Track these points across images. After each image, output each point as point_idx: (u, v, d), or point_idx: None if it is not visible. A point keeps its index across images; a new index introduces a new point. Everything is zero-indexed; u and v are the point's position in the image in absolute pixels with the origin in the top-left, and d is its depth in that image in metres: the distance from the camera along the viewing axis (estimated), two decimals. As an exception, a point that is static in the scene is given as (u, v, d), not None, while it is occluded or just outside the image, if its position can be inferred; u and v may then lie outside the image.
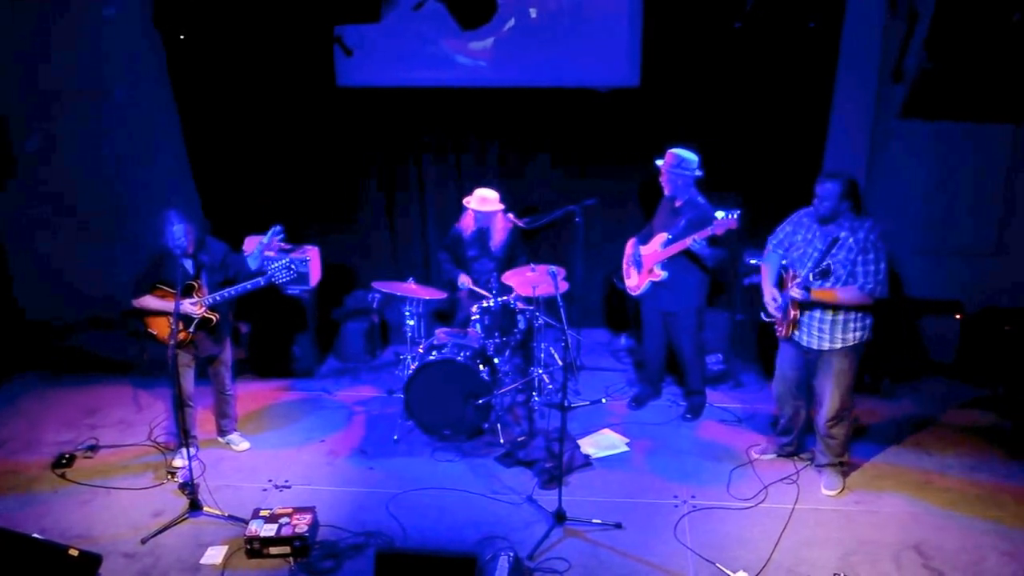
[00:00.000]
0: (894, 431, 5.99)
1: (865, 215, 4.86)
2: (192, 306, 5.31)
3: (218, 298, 5.38)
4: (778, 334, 5.23)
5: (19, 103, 7.09)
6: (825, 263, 4.69)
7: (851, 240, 4.76)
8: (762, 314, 5.34)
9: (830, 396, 5.07)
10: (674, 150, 5.77)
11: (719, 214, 5.41)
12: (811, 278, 4.71)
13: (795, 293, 4.84)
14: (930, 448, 5.77)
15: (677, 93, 6.73)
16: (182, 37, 6.63)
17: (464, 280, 6.48)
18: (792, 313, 4.98)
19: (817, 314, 4.93)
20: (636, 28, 6.64)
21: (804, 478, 5.39)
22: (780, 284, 5.18)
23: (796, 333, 5.05)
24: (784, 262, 5.12)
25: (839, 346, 4.95)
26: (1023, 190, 6.72)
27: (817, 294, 4.80)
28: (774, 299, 5.17)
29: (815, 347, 5.01)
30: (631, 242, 6.16)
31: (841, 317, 4.90)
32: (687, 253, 5.66)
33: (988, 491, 5.27)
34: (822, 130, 6.60)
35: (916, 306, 6.88)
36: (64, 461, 5.74)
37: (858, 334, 4.95)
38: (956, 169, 6.75)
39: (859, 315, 4.92)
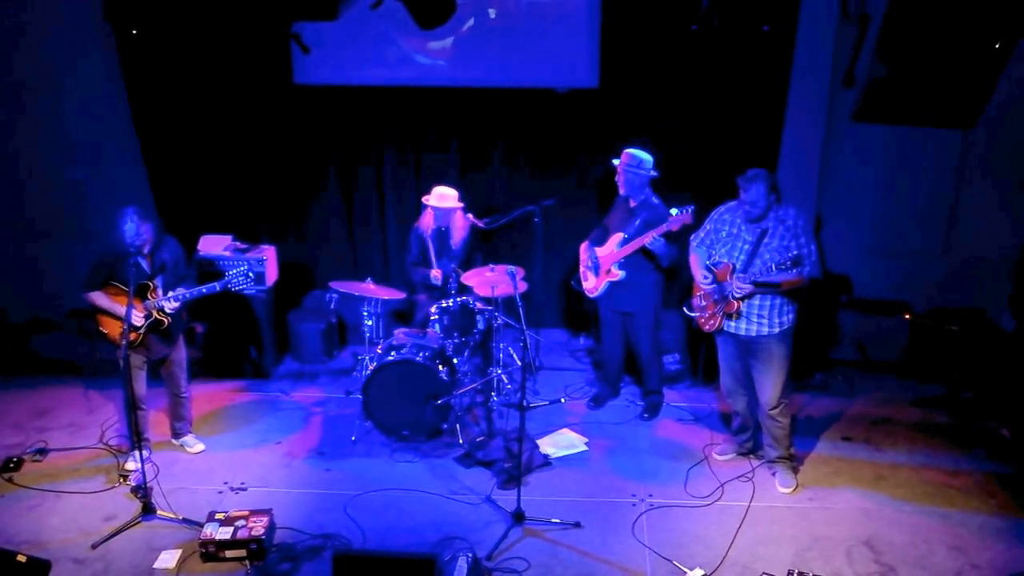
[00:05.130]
0: (846, 428, 6.11)
1: (786, 203, 4.96)
2: (138, 316, 5.23)
3: (172, 300, 5.30)
4: (707, 328, 5.29)
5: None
6: (793, 253, 4.73)
7: (781, 229, 4.88)
8: (684, 308, 5.42)
9: (772, 383, 5.16)
10: (630, 150, 5.82)
11: (673, 211, 5.47)
12: (775, 268, 4.71)
13: (772, 276, 4.74)
14: (881, 445, 5.89)
15: (635, 94, 6.76)
16: (135, 32, 6.52)
17: (435, 273, 6.41)
18: (736, 304, 5.02)
19: (756, 301, 5.00)
20: (595, 29, 6.66)
21: (759, 476, 5.46)
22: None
23: (733, 324, 5.12)
24: (715, 257, 5.15)
25: (777, 330, 5.04)
26: (971, 192, 6.87)
27: (790, 281, 4.82)
28: (704, 276, 5.18)
29: (754, 334, 5.08)
30: (584, 246, 6.20)
31: (778, 301, 5.00)
32: (645, 252, 5.71)
33: (936, 487, 5.40)
34: (776, 132, 6.68)
35: (866, 305, 7.02)
36: (12, 465, 5.62)
37: (791, 316, 5.08)
38: (906, 172, 6.88)
39: (790, 298, 5.04)
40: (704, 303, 5.25)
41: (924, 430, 6.09)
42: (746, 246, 4.99)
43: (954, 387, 6.52)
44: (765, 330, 5.05)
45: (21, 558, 4.29)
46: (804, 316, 5.19)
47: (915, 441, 5.94)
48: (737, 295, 4.96)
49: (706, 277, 5.19)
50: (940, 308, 6.98)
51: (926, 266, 7.06)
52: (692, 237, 5.35)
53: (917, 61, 5.52)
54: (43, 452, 5.81)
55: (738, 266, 4.99)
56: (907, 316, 6.92)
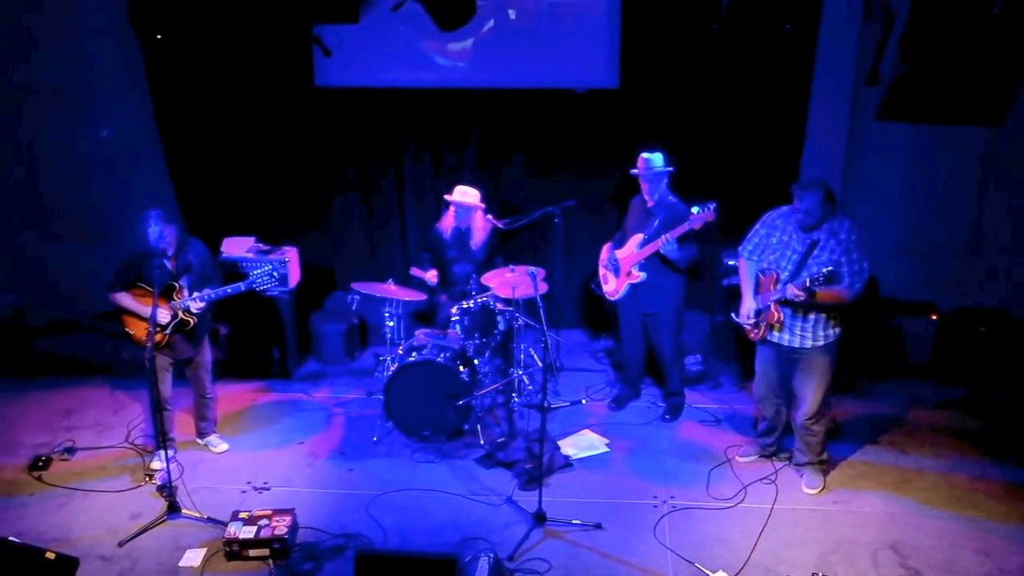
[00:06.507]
0: (872, 431, 6.04)
1: (842, 215, 4.89)
2: (164, 315, 5.27)
3: (198, 300, 5.34)
4: (752, 337, 5.25)
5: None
6: (829, 268, 4.64)
7: (832, 242, 4.79)
8: (732, 315, 5.37)
9: (812, 394, 5.10)
10: (643, 155, 5.79)
11: (695, 209, 5.43)
12: (808, 283, 4.63)
13: (793, 293, 4.71)
14: (907, 447, 5.82)
15: (656, 95, 6.74)
16: (159, 36, 6.58)
17: (425, 274, 6.44)
18: (776, 315, 4.98)
19: (800, 313, 4.94)
20: (615, 30, 6.65)
21: (783, 478, 5.42)
22: (757, 287, 5.19)
23: (777, 334, 5.06)
24: (764, 265, 5.10)
25: (821, 343, 4.98)
26: (996, 191, 6.80)
27: (823, 296, 4.73)
28: (748, 315, 5.14)
29: (797, 346, 5.03)
30: (606, 247, 6.17)
31: (823, 316, 4.93)
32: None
33: (963, 490, 5.33)
34: (799, 132, 6.65)
35: (892, 307, 6.95)
36: (41, 464, 5.68)
37: (836, 330, 5.00)
38: (931, 171, 6.82)
39: (833, 313, 4.97)
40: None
41: (950, 433, 6.01)
42: (795, 256, 4.90)
43: (981, 389, 6.44)
44: (809, 343, 4.99)
45: (50, 555, 4.33)
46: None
47: (941, 444, 5.86)
48: (791, 297, 4.79)
49: (750, 317, 5.12)
50: (967, 309, 6.90)
51: (952, 266, 6.99)
52: (742, 244, 5.23)
53: (943, 58, 5.48)
54: (71, 451, 5.87)
55: (784, 276, 4.90)
56: (933, 317, 6.84)
